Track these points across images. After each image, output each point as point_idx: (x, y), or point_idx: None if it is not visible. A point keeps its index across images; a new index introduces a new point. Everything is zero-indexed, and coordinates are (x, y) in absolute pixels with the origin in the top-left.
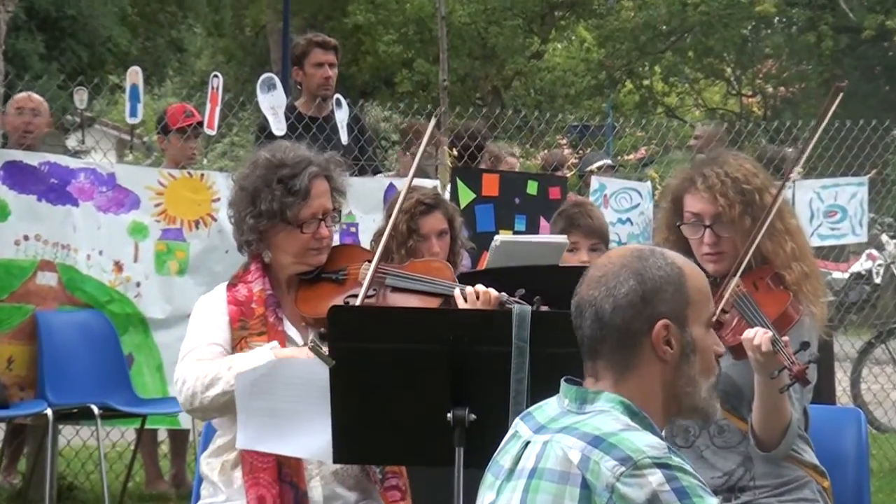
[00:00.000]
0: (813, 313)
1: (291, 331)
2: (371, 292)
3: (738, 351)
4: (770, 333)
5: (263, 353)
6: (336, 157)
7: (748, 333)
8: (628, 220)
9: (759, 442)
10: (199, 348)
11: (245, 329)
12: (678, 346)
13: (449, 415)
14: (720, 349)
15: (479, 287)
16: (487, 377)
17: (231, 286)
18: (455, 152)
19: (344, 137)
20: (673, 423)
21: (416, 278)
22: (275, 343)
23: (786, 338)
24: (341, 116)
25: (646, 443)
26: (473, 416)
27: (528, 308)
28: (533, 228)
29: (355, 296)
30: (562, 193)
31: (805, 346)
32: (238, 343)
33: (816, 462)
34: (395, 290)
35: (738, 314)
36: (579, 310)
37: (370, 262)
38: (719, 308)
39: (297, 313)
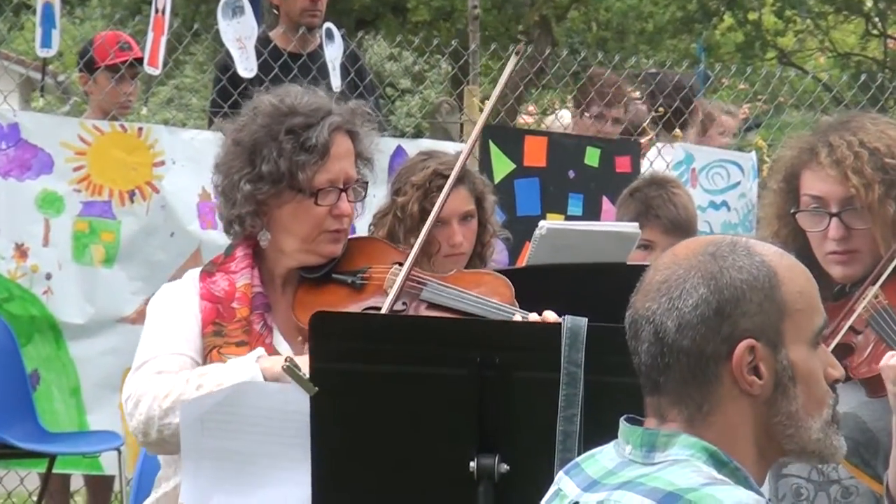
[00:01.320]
0: None
1: (282, 345)
2: (400, 306)
3: (873, 384)
4: None
5: (246, 365)
6: (364, 108)
7: (891, 360)
8: (724, 203)
9: None
10: (160, 358)
11: (220, 336)
12: (770, 374)
13: (472, 464)
14: (836, 372)
15: (550, 315)
16: (525, 413)
17: (206, 274)
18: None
19: (336, 82)
20: (779, 480)
21: (462, 295)
22: (260, 351)
23: None
24: (333, 53)
25: (737, 500)
26: (506, 467)
27: (583, 320)
28: (592, 212)
29: (378, 308)
30: (633, 166)
31: None
32: (208, 353)
33: None
34: (432, 306)
35: (875, 335)
36: (634, 328)
37: (401, 264)
38: (847, 325)
39: (292, 322)
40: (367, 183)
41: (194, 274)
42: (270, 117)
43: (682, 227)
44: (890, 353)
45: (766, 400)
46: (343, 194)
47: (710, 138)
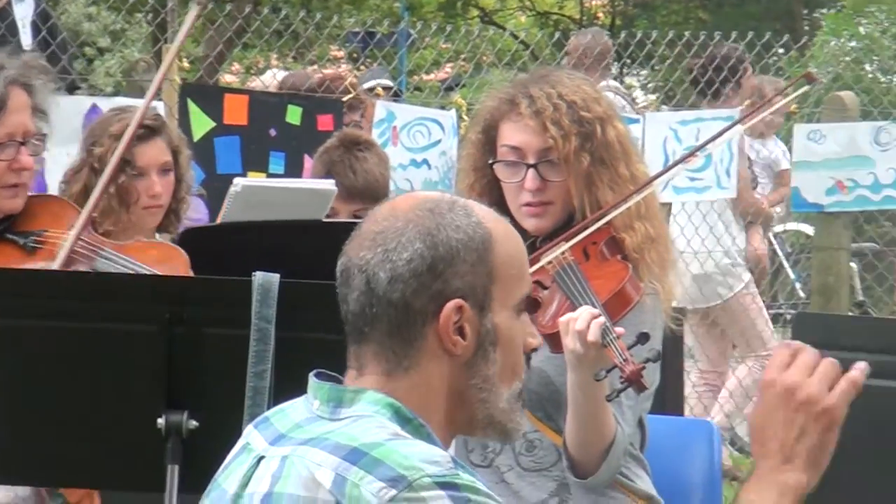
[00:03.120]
0: (657, 292)
1: None
2: None
3: (556, 340)
4: (602, 319)
5: None
6: (38, 61)
7: (570, 316)
8: (425, 161)
9: (574, 465)
10: None
11: None
12: (474, 335)
13: (160, 420)
14: (535, 341)
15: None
16: (215, 369)
17: None
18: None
19: (26, 40)
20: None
21: (137, 266)
22: None
23: (619, 329)
24: (23, 12)
25: (423, 456)
26: (194, 423)
27: (275, 276)
28: (294, 170)
29: None
30: (335, 124)
31: (644, 338)
32: None
33: (652, 491)
34: None
35: (560, 292)
36: (346, 275)
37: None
38: (533, 281)
39: None
40: (45, 135)
41: None
42: None
43: (362, 195)
44: (572, 312)
45: (466, 361)
46: (22, 147)
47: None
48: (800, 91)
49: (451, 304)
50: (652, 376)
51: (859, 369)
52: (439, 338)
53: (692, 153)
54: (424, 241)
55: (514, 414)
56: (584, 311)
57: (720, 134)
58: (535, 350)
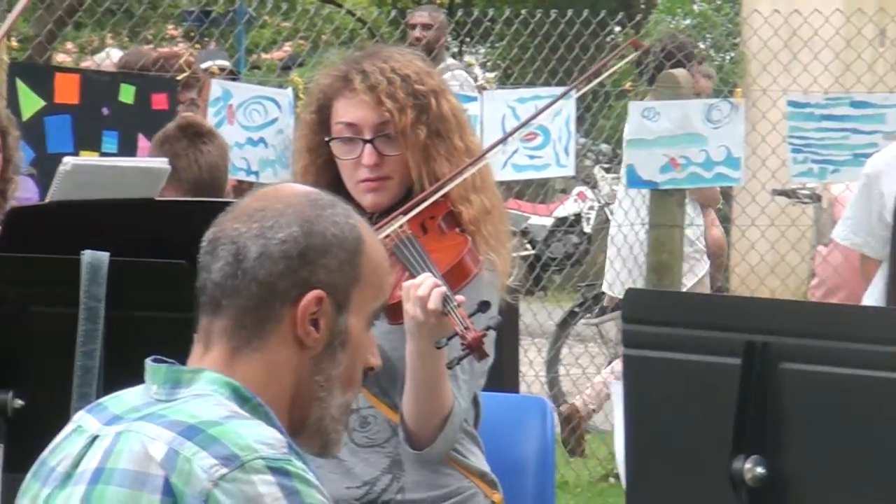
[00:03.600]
0: (493, 264)
1: None
2: None
3: (394, 312)
4: (444, 287)
5: None
6: None
7: (412, 282)
8: (261, 140)
9: (410, 436)
10: None
11: None
12: (327, 331)
13: None
14: (374, 360)
15: None
16: (43, 348)
17: None
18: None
19: None
20: None
21: None
22: None
23: (460, 296)
24: None
25: (259, 437)
26: (20, 402)
27: (105, 255)
28: (128, 149)
29: None
30: (169, 103)
31: (485, 306)
32: None
33: (486, 468)
34: None
35: (399, 265)
36: (213, 244)
37: None
38: None
39: None
40: None
41: None
42: None
43: (206, 188)
44: (412, 280)
45: (314, 356)
46: None
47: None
48: (628, 58)
49: (312, 294)
50: (491, 346)
51: None
52: (293, 324)
53: (525, 123)
54: (302, 227)
55: (339, 426)
56: (426, 278)
57: (551, 104)
58: (372, 369)
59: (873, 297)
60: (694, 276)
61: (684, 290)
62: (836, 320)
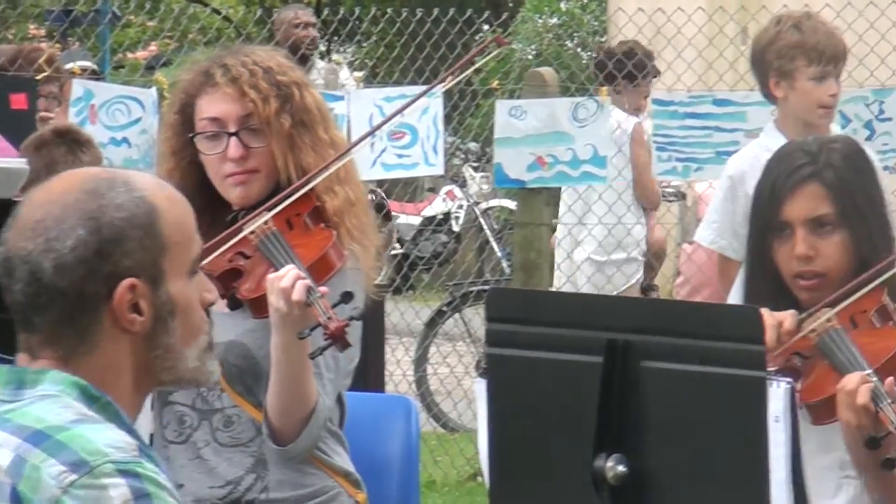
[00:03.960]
0: (357, 256)
1: None
2: None
3: (260, 305)
4: (307, 279)
5: None
6: None
7: (276, 275)
8: (125, 139)
9: (274, 432)
10: None
11: None
12: (150, 310)
13: None
14: (210, 296)
15: None
16: None
17: None
18: None
19: None
20: (163, 408)
21: None
22: None
23: (323, 288)
24: None
25: (108, 441)
26: None
27: None
28: None
29: None
30: (29, 102)
31: (347, 297)
32: None
33: (350, 467)
34: None
35: (263, 260)
36: (7, 266)
37: None
38: (235, 252)
39: None
40: None
41: None
42: None
43: None
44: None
45: (145, 336)
46: None
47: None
48: (492, 54)
49: (123, 285)
50: (356, 334)
51: None
52: (115, 318)
53: (389, 118)
54: (87, 227)
55: (204, 367)
56: (290, 270)
57: (415, 99)
58: (211, 304)
59: (736, 297)
60: (628, 280)
61: (616, 293)
62: (696, 318)
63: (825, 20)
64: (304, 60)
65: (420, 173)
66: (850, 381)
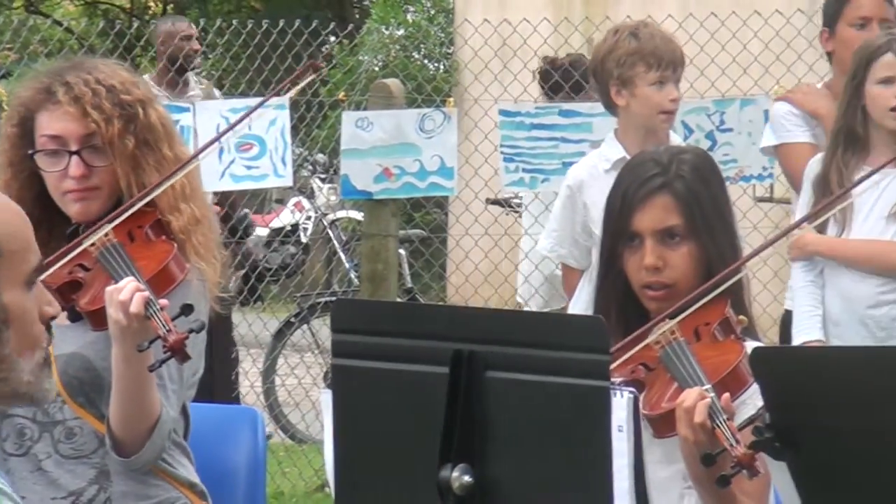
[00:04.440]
0: (203, 273)
1: None
2: None
3: (99, 317)
4: (147, 292)
5: None
6: None
7: (115, 287)
8: None
9: (118, 443)
10: None
11: None
12: None
13: None
14: (51, 310)
15: None
16: None
17: None
18: None
19: None
20: (2, 420)
21: None
22: None
23: (163, 301)
24: None
25: None
26: None
27: None
28: None
29: None
30: None
31: (188, 310)
32: None
33: (195, 479)
34: None
35: (104, 273)
36: None
37: None
38: (76, 264)
39: None
40: None
41: None
42: None
43: None
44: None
45: None
46: None
47: None
48: (307, 80)
49: None
50: (197, 347)
51: None
52: None
53: (229, 129)
54: None
55: (40, 383)
56: (128, 283)
57: (247, 114)
58: (52, 317)
59: (578, 306)
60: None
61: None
62: (541, 329)
63: (661, 28)
64: (181, 72)
65: (269, 185)
66: (689, 397)
